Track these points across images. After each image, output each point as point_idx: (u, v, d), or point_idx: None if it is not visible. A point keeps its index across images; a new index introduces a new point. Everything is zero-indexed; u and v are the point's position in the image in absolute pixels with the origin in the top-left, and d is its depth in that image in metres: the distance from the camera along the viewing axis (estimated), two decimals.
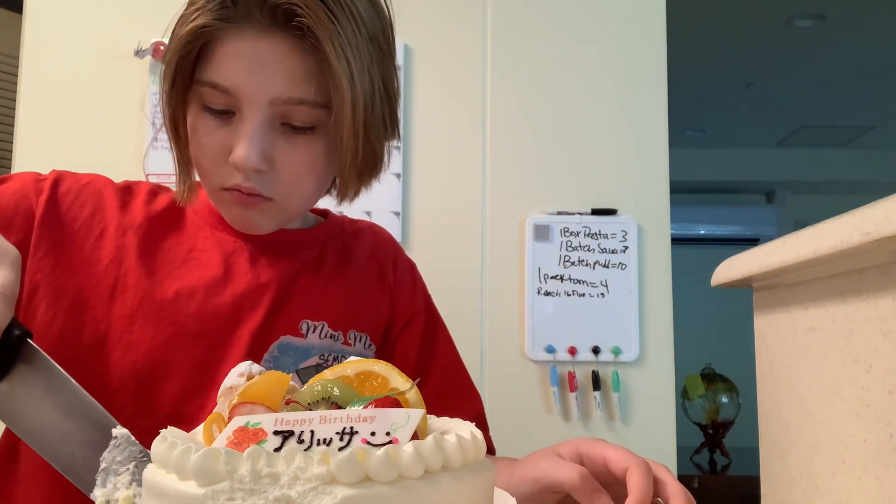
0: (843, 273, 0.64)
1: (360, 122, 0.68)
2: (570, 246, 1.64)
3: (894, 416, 0.56)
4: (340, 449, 0.38)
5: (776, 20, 3.06)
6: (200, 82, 0.68)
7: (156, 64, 1.63)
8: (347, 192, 0.78)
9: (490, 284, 1.64)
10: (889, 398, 0.57)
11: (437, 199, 1.66)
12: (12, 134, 1.62)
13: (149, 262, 0.74)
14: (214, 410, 0.49)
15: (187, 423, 0.69)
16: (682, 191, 4.49)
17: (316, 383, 0.46)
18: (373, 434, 0.39)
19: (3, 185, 0.72)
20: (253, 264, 0.77)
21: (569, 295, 1.63)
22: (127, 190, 0.79)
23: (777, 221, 4.97)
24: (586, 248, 1.64)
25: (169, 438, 0.42)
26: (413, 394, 0.47)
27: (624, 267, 1.63)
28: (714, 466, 3.17)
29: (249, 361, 0.52)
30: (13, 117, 1.63)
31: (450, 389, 0.86)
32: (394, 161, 1.64)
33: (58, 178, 0.75)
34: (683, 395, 3.22)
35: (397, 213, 1.63)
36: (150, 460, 0.50)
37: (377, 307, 0.84)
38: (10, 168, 1.62)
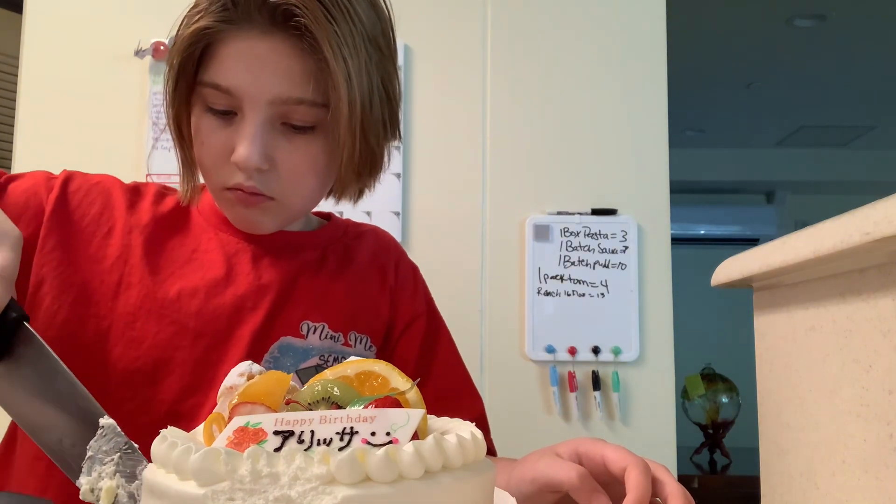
0: (843, 273, 0.64)
1: (357, 121, 0.69)
2: (570, 246, 1.64)
3: (894, 416, 0.56)
4: (340, 449, 0.38)
5: (776, 20, 3.06)
6: (202, 83, 0.69)
7: (156, 64, 1.63)
8: (345, 191, 0.79)
9: (490, 284, 1.64)
10: (889, 398, 0.57)
11: (437, 199, 1.66)
12: (12, 134, 1.62)
13: (153, 261, 0.76)
14: (214, 410, 0.49)
15: (186, 421, 0.70)
16: (682, 191, 4.48)
17: (316, 383, 0.46)
18: (373, 434, 0.39)
19: (15, 182, 0.74)
20: (255, 265, 0.78)
21: (569, 295, 1.63)
22: (135, 190, 0.80)
23: (777, 221, 4.98)
24: (586, 248, 1.64)
25: (169, 438, 0.42)
26: (413, 394, 0.47)
27: (624, 267, 1.63)
28: (714, 466, 3.17)
29: (249, 361, 0.52)
30: (13, 117, 1.63)
31: (450, 391, 0.86)
32: (394, 161, 1.64)
33: (68, 177, 0.77)
34: (683, 395, 3.22)
35: (397, 213, 1.63)
36: (134, 452, 0.51)
37: (378, 309, 0.84)
38: (10, 168, 1.62)
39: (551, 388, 1.60)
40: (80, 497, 0.50)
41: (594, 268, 1.63)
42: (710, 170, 4.80)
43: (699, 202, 4.99)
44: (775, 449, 0.78)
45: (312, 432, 0.40)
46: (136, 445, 0.52)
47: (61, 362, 0.56)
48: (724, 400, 3.18)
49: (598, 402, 1.60)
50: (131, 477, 0.51)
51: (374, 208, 1.61)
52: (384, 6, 0.75)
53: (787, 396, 0.75)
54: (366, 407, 0.43)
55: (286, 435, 0.40)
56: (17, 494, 0.68)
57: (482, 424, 0.87)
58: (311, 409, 0.45)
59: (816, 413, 0.69)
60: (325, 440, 0.39)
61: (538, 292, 1.63)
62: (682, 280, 1.96)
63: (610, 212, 1.65)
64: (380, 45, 0.73)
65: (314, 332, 0.78)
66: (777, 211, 5.05)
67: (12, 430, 0.75)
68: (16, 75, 1.66)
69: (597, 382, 1.61)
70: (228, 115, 0.69)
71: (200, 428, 0.48)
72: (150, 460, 0.44)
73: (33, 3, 1.65)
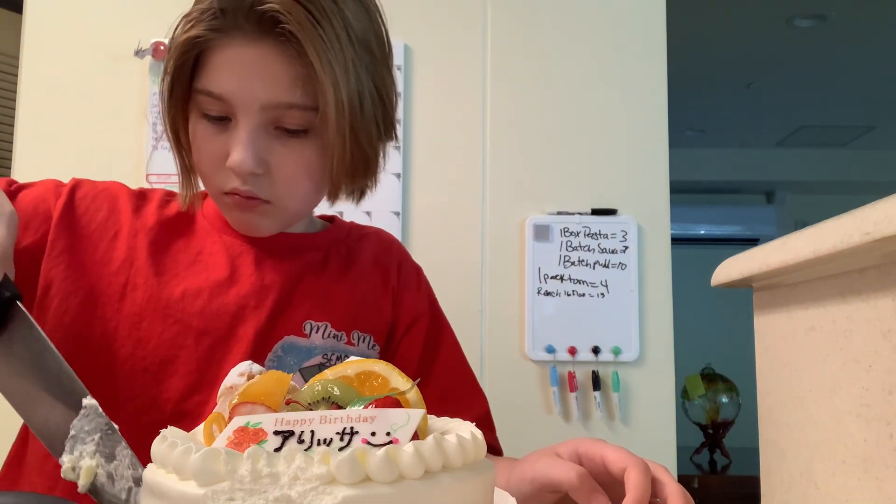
0: (843, 273, 0.64)
1: (345, 123, 0.70)
2: (570, 246, 1.64)
3: (894, 416, 0.56)
4: (341, 449, 0.38)
5: (776, 20, 3.06)
6: (197, 91, 0.71)
7: (156, 64, 1.63)
8: (339, 193, 0.79)
9: (490, 284, 1.64)
10: (889, 398, 0.57)
11: (437, 199, 1.66)
12: (12, 134, 1.62)
13: (158, 263, 0.77)
14: (215, 410, 0.49)
15: (191, 419, 0.72)
16: (682, 191, 4.48)
17: (316, 383, 0.47)
18: (373, 434, 0.39)
19: (25, 191, 0.77)
20: (258, 266, 0.79)
21: (569, 295, 1.63)
22: (141, 195, 0.83)
23: (777, 221, 4.97)
24: (586, 248, 1.64)
25: (169, 438, 0.42)
26: (413, 394, 0.47)
27: (624, 267, 1.63)
28: (714, 466, 3.17)
29: (250, 361, 0.52)
30: (13, 117, 1.63)
31: (454, 390, 0.86)
32: (394, 161, 1.64)
33: (76, 185, 0.80)
34: (683, 395, 3.22)
35: (397, 213, 1.63)
36: (114, 432, 0.52)
37: (380, 308, 0.85)
38: (10, 168, 1.62)
39: (551, 388, 1.60)
40: (62, 474, 0.52)
41: (594, 268, 1.63)
42: (710, 170, 4.80)
43: (699, 202, 4.99)
44: (775, 449, 0.78)
45: (312, 432, 0.40)
46: (116, 426, 0.53)
47: (50, 343, 0.57)
48: (724, 400, 3.18)
49: (598, 402, 1.60)
50: (110, 457, 0.52)
51: (375, 208, 1.61)
52: (376, 8, 0.77)
53: (787, 396, 0.75)
54: (366, 407, 0.43)
55: (286, 435, 0.40)
56: (31, 493, 0.68)
57: (487, 424, 0.87)
58: (311, 409, 0.45)
59: (816, 413, 0.69)
60: (325, 440, 0.39)
61: (538, 292, 1.63)
62: (682, 280, 1.96)
63: (610, 212, 1.65)
64: (371, 47, 0.74)
65: (317, 332, 0.79)
66: (777, 211, 5.05)
67: (24, 431, 0.77)
68: (16, 75, 1.66)
69: (597, 382, 1.61)
70: (223, 120, 0.71)
71: (200, 428, 0.48)
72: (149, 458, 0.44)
73: (33, 3, 1.65)
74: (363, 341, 0.82)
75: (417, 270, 0.92)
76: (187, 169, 0.78)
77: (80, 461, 0.52)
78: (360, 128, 0.72)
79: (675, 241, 1.73)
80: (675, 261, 1.67)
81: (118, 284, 0.75)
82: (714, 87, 3.86)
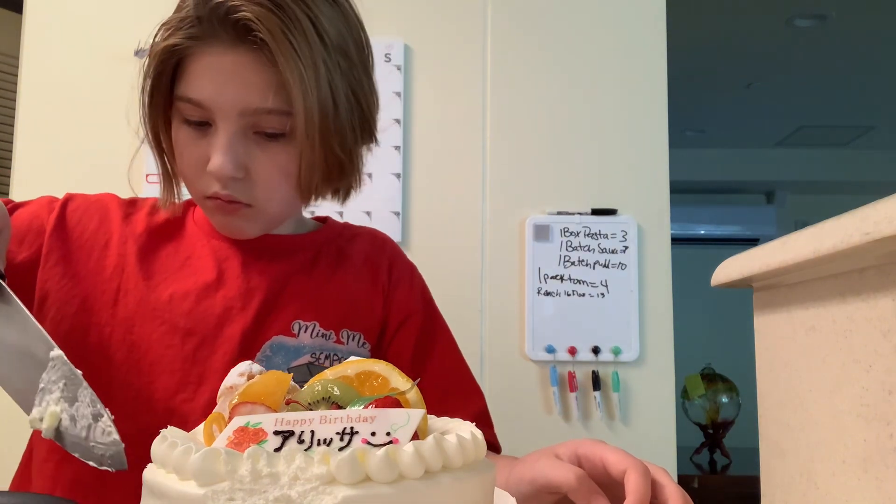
0: (843, 273, 0.64)
1: (315, 129, 0.71)
2: (570, 246, 1.64)
3: (894, 416, 0.56)
4: (341, 449, 0.38)
5: (776, 20, 3.05)
6: (178, 97, 0.73)
7: None
8: (316, 195, 0.80)
9: (490, 284, 1.64)
10: (889, 398, 0.57)
11: (437, 199, 1.66)
12: (12, 134, 1.62)
13: (147, 268, 0.79)
14: (214, 410, 0.49)
15: (178, 418, 0.73)
16: (682, 191, 4.49)
17: (316, 383, 0.46)
18: (373, 434, 0.39)
19: (20, 209, 0.79)
20: (244, 269, 0.81)
21: (569, 295, 1.63)
22: (131, 204, 0.85)
23: (777, 221, 4.97)
24: (586, 248, 1.64)
25: (169, 438, 0.42)
26: (413, 394, 0.47)
27: (624, 267, 1.63)
28: (714, 466, 3.17)
29: (249, 361, 0.52)
30: (13, 117, 1.63)
31: (449, 388, 0.86)
32: (394, 161, 1.64)
33: (69, 199, 0.82)
34: (683, 395, 3.22)
35: (397, 213, 1.63)
36: (80, 381, 0.53)
37: (371, 306, 0.86)
38: (9, 168, 1.62)
39: (551, 388, 1.60)
40: (29, 425, 0.53)
41: (594, 268, 1.63)
42: (710, 170, 4.80)
43: (699, 202, 4.99)
44: (775, 449, 0.78)
45: (312, 432, 0.40)
46: (79, 373, 0.54)
47: (34, 320, 0.58)
48: (724, 400, 3.18)
49: (598, 402, 1.60)
50: (72, 400, 0.52)
51: (374, 208, 1.61)
52: (353, 14, 0.78)
53: (787, 396, 0.75)
54: (366, 407, 0.43)
55: (286, 435, 0.40)
56: (31, 493, 0.69)
57: (484, 420, 0.87)
58: (311, 409, 0.45)
59: (816, 413, 0.69)
60: (325, 440, 0.39)
61: (538, 292, 1.63)
62: (682, 280, 1.96)
63: (610, 212, 1.65)
64: (348, 52, 0.75)
65: (305, 331, 0.80)
66: (777, 211, 5.04)
67: (34, 436, 0.79)
68: (16, 75, 1.66)
69: (597, 382, 1.61)
70: (204, 126, 0.73)
71: (200, 428, 0.48)
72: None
73: (33, 3, 1.65)
74: (353, 339, 0.82)
75: (411, 269, 0.93)
76: (169, 174, 0.80)
77: (46, 409, 0.53)
78: (332, 132, 0.73)
79: (675, 241, 1.73)
80: (675, 261, 1.67)
81: (111, 291, 0.77)
82: (714, 88, 3.85)
